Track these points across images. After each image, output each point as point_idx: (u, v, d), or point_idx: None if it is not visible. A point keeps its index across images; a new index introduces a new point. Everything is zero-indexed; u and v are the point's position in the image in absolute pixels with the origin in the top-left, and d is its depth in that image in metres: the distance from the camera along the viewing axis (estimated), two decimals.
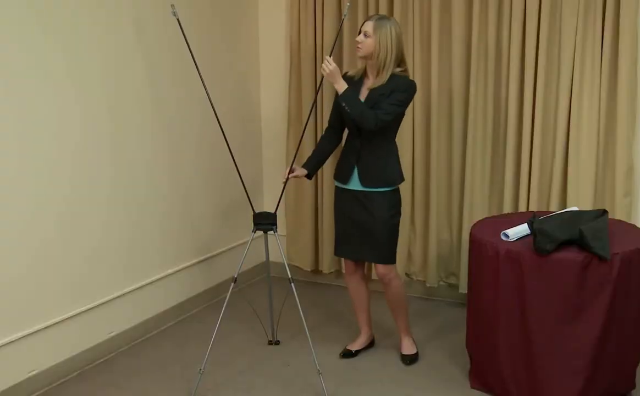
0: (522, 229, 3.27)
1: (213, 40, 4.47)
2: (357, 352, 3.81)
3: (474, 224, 3.55)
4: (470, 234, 3.42)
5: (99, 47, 3.64)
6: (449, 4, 4.22)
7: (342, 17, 3.78)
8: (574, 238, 3.07)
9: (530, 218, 3.16)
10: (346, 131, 3.66)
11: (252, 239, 3.67)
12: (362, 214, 3.49)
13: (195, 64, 3.62)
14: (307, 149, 4.71)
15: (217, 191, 4.60)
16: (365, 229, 3.50)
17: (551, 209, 4.03)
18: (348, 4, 3.88)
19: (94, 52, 3.61)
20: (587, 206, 3.94)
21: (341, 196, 3.60)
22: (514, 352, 3.20)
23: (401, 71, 3.41)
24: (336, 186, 3.65)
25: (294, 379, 3.58)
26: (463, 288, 4.29)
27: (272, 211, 3.66)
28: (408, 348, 3.75)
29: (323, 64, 3.36)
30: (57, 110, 3.43)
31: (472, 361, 3.51)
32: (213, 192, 4.58)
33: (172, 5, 3.63)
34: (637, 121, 3.90)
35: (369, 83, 3.44)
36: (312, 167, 3.68)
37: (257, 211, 3.68)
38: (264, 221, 3.62)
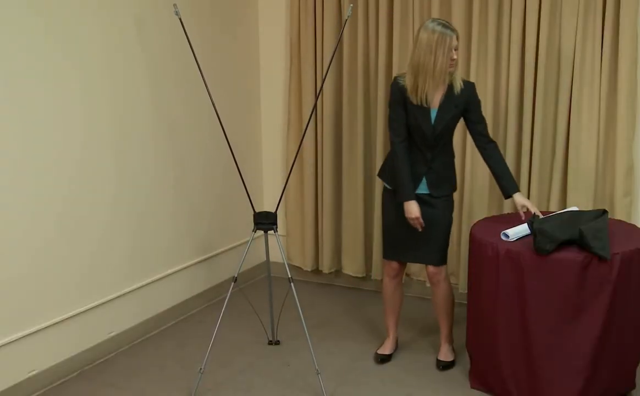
0: (522, 229, 3.27)
1: (213, 40, 4.47)
2: (391, 355, 3.79)
3: (474, 224, 3.55)
4: (470, 234, 3.42)
5: (100, 46, 3.64)
6: (449, 4, 4.22)
7: (345, 19, 3.77)
8: (574, 238, 3.07)
9: (531, 218, 3.16)
10: None
11: (252, 239, 3.67)
12: (424, 218, 3.44)
13: (198, 64, 3.63)
14: (308, 150, 4.73)
15: (217, 190, 4.60)
16: (423, 232, 3.46)
17: (551, 209, 4.03)
18: (351, 5, 3.88)
19: (95, 52, 3.61)
20: (587, 206, 3.94)
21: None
22: (514, 352, 3.20)
23: (461, 77, 3.46)
24: (390, 190, 3.56)
25: (294, 379, 3.58)
26: (463, 288, 4.29)
27: (272, 210, 3.66)
28: (445, 355, 3.71)
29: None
30: (59, 109, 3.43)
31: (472, 361, 3.51)
32: (213, 191, 4.58)
33: (175, 5, 3.64)
34: (637, 121, 3.90)
35: (440, 91, 3.38)
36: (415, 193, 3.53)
37: (257, 210, 3.68)
38: (265, 221, 3.62)
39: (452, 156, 3.58)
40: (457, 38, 3.32)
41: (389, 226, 3.63)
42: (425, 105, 3.36)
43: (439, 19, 3.42)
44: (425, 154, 3.45)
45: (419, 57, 3.29)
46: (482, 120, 3.51)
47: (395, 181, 3.47)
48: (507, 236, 3.23)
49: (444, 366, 3.67)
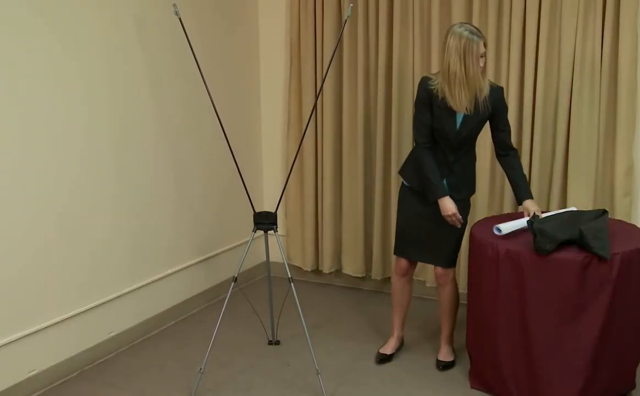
0: (516, 223, 3.25)
1: (213, 40, 4.47)
2: (392, 355, 3.76)
3: (474, 224, 3.55)
4: (470, 234, 3.42)
5: (101, 46, 3.64)
6: (449, 4, 4.22)
7: (345, 18, 3.77)
8: (574, 238, 3.07)
9: (531, 218, 3.16)
10: None
11: (252, 239, 3.67)
12: (438, 219, 3.41)
13: (198, 65, 3.63)
14: (308, 150, 4.74)
15: (217, 190, 4.60)
16: (437, 233, 3.46)
17: (551, 210, 4.03)
18: (351, 5, 3.88)
19: (95, 52, 3.61)
20: (587, 206, 3.94)
21: (417, 199, 3.50)
22: (514, 352, 3.20)
23: (490, 82, 3.38)
24: (409, 188, 3.54)
25: (294, 379, 3.58)
26: (463, 288, 4.28)
27: (272, 210, 3.66)
28: (445, 355, 3.70)
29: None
30: (60, 109, 3.43)
31: (472, 361, 3.51)
32: (213, 191, 4.58)
33: (174, 5, 3.64)
34: (637, 121, 3.90)
35: (474, 97, 3.30)
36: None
37: (257, 210, 3.68)
38: (265, 221, 3.62)
39: (474, 159, 3.54)
40: (485, 44, 3.26)
41: (402, 223, 3.61)
42: (451, 108, 3.31)
43: (467, 23, 3.35)
44: (448, 157, 3.42)
45: (448, 63, 3.23)
46: (506, 127, 3.45)
47: (424, 183, 3.43)
48: (499, 230, 3.22)
49: (444, 366, 3.67)
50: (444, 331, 3.71)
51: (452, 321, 3.68)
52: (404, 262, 3.65)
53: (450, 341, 3.73)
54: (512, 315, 3.16)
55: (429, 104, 3.36)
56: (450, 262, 3.55)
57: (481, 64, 3.26)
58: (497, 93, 3.38)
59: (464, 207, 3.51)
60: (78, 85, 3.54)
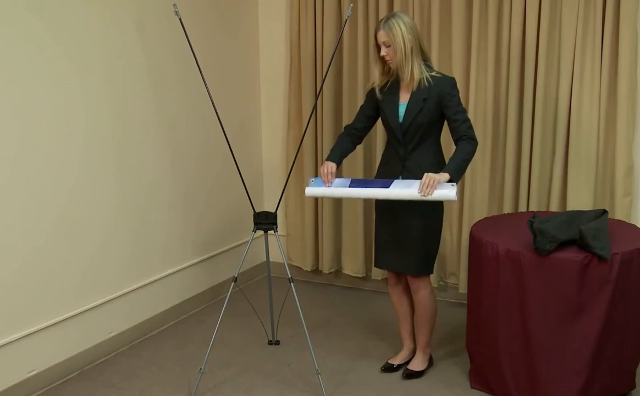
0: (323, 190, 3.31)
1: (213, 40, 4.48)
2: (399, 366, 3.65)
3: (474, 224, 3.55)
4: (470, 234, 3.42)
5: (101, 46, 3.64)
6: (449, 3, 4.22)
7: (345, 18, 3.77)
8: (574, 238, 3.07)
9: (531, 218, 3.16)
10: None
11: (252, 239, 3.67)
12: (401, 221, 3.36)
13: (198, 65, 3.63)
14: (308, 151, 4.74)
15: (217, 190, 4.60)
16: (404, 241, 3.37)
17: (551, 210, 4.03)
18: (351, 5, 3.88)
19: (95, 52, 3.61)
20: (587, 206, 3.94)
21: (381, 203, 3.45)
22: (514, 352, 3.20)
23: (437, 73, 3.31)
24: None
25: (294, 379, 3.58)
26: (463, 288, 4.30)
27: (272, 210, 3.66)
28: (415, 363, 3.60)
29: (426, 189, 3.09)
30: (60, 110, 3.43)
31: (472, 361, 3.52)
32: (214, 192, 4.58)
33: (175, 5, 3.64)
34: (637, 121, 3.90)
35: (409, 86, 3.29)
36: (339, 158, 3.45)
37: (257, 211, 3.68)
38: (265, 221, 3.62)
39: (434, 155, 3.35)
40: (385, 34, 3.21)
41: (375, 233, 3.56)
42: (394, 100, 3.33)
43: (400, 13, 3.31)
44: (399, 151, 3.35)
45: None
46: (456, 118, 3.24)
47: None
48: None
49: (407, 374, 3.56)
50: (419, 338, 3.59)
51: (426, 330, 3.55)
52: (390, 273, 3.57)
53: (425, 349, 3.61)
54: (512, 315, 3.16)
55: (374, 99, 3.43)
56: (418, 269, 3.40)
57: (382, 53, 3.27)
58: (442, 83, 3.28)
59: (427, 209, 3.32)
60: (78, 86, 3.54)
